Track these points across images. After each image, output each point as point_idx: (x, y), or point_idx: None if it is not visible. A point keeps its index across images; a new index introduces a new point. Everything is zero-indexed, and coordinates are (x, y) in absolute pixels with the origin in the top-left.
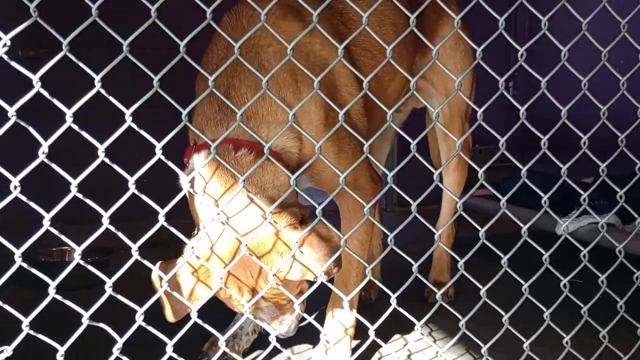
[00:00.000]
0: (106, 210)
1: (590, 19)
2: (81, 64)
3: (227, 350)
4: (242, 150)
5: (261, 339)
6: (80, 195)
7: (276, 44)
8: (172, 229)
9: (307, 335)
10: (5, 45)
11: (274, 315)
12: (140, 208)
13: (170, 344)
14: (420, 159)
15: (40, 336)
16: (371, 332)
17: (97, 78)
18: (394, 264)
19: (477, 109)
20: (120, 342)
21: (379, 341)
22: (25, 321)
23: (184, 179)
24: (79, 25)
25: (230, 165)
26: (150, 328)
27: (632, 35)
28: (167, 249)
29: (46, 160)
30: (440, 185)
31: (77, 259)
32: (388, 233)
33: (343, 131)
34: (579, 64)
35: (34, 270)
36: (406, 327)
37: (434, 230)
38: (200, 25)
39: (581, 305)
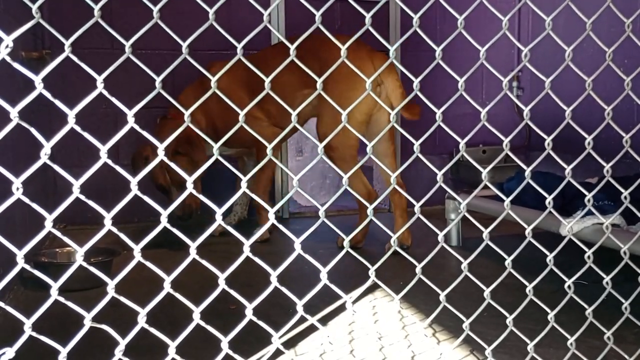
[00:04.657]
0: (108, 211)
1: (595, 18)
2: (83, 65)
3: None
4: None
5: (264, 340)
6: (82, 197)
7: None
8: (175, 230)
9: (309, 336)
10: (7, 46)
11: None
12: (143, 210)
13: (172, 346)
14: (424, 159)
15: (43, 338)
16: (374, 333)
17: (99, 79)
18: (396, 264)
19: (480, 109)
20: (123, 343)
21: (383, 342)
22: (28, 322)
23: None
24: (81, 26)
25: None
26: (152, 330)
27: (637, 35)
28: (170, 250)
29: (48, 162)
30: (443, 186)
31: (79, 260)
32: (391, 234)
33: None
34: (584, 63)
35: (36, 272)
36: (410, 328)
37: (438, 232)
38: (202, 26)
39: (586, 306)
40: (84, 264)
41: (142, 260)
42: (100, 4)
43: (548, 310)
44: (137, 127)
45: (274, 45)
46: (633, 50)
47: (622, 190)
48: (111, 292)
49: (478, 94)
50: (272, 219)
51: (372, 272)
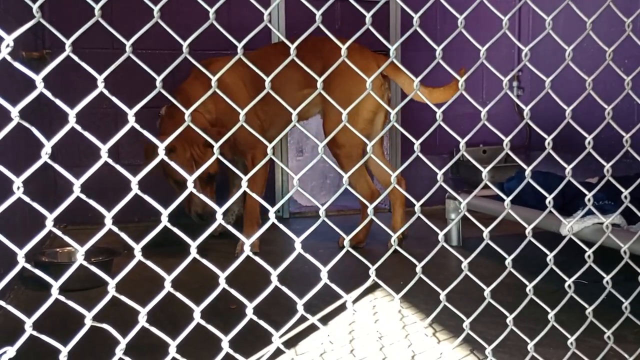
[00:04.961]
0: (109, 211)
1: (595, 18)
2: (84, 65)
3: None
4: None
5: (264, 340)
6: (83, 196)
7: None
8: (175, 230)
9: (310, 335)
10: (8, 45)
11: None
12: (143, 209)
13: (173, 345)
14: (424, 159)
15: (43, 337)
16: (375, 332)
17: (100, 78)
18: (396, 264)
19: (481, 108)
20: (124, 342)
21: (383, 341)
22: (29, 322)
23: None
24: (82, 26)
25: None
26: (153, 329)
27: (637, 34)
28: (170, 250)
29: (49, 161)
30: (444, 185)
31: (80, 259)
32: (391, 233)
33: None
34: (584, 63)
35: (37, 271)
36: (410, 328)
37: (438, 231)
38: (203, 26)
39: (586, 306)
40: (85, 264)
41: (143, 260)
42: (100, 4)
43: (548, 309)
44: (137, 127)
45: (275, 44)
46: (633, 50)
47: (623, 189)
48: (112, 291)
49: (478, 94)
50: (272, 218)
51: (372, 272)
